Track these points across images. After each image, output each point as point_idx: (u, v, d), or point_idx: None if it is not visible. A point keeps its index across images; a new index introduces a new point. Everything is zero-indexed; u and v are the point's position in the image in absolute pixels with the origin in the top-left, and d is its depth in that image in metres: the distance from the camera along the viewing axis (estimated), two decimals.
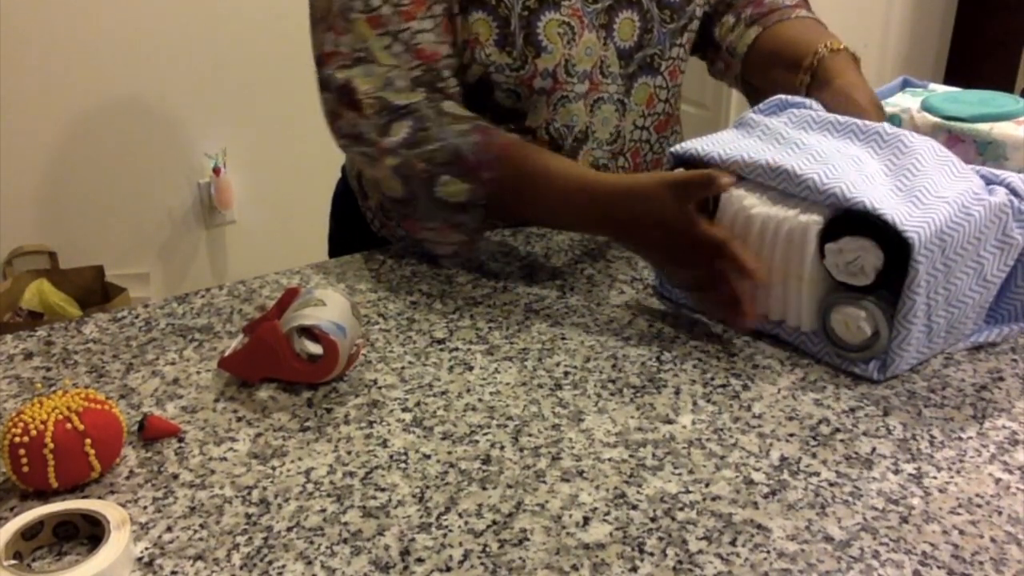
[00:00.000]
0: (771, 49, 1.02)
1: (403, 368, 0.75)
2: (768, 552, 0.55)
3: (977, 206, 0.71)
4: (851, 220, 0.70)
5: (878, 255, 0.69)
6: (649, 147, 1.04)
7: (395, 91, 0.88)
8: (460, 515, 0.58)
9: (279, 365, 0.71)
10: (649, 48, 0.99)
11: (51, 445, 0.58)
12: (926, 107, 0.95)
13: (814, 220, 0.72)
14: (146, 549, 0.56)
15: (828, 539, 0.56)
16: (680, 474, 0.62)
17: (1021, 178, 0.74)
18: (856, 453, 0.64)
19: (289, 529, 0.57)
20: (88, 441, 0.59)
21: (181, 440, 0.66)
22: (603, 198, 0.81)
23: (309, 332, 0.74)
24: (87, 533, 0.57)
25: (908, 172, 0.74)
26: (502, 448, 0.65)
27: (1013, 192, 0.73)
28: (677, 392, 0.71)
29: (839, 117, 0.82)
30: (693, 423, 0.67)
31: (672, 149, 0.82)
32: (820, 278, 0.74)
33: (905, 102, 0.97)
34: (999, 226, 0.72)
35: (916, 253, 0.67)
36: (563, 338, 0.79)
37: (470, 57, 0.91)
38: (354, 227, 1.11)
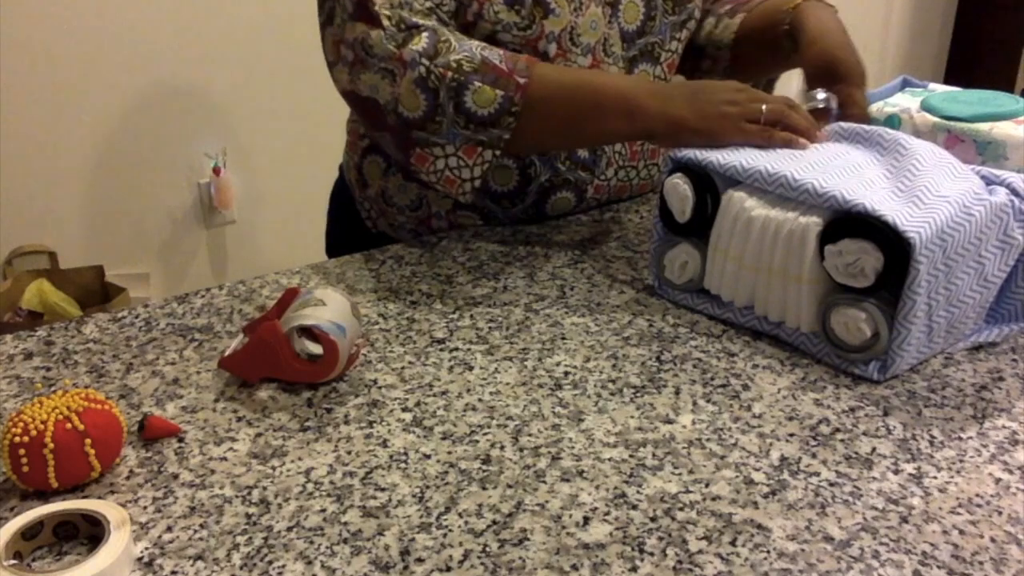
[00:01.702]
0: (751, 30, 1.05)
1: (403, 368, 0.75)
2: (768, 552, 0.55)
3: (978, 206, 0.71)
4: (850, 222, 0.70)
5: (878, 257, 0.69)
6: None
7: (411, 11, 0.87)
8: (460, 515, 0.58)
9: (279, 365, 0.71)
10: (651, 36, 1.00)
11: (51, 445, 0.58)
12: (926, 107, 0.95)
13: (814, 222, 0.72)
14: (146, 549, 0.56)
15: (828, 539, 0.56)
16: (680, 474, 0.62)
17: (1022, 178, 0.74)
18: (856, 453, 0.64)
19: (289, 529, 0.57)
20: (88, 441, 0.59)
21: (181, 440, 0.66)
22: (647, 82, 0.84)
23: (309, 332, 0.74)
24: (87, 533, 0.57)
25: (909, 173, 0.74)
26: (502, 448, 0.65)
27: (1014, 192, 0.73)
28: (677, 392, 0.71)
29: (842, 124, 0.83)
30: (693, 423, 0.67)
31: (671, 154, 0.82)
32: (820, 279, 0.74)
33: (905, 102, 0.97)
34: (1000, 226, 0.72)
35: (917, 253, 0.67)
36: (563, 338, 0.79)
37: (476, 13, 0.91)
38: (351, 225, 1.11)
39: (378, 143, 0.95)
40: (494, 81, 0.84)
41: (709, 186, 0.79)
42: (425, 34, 0.86)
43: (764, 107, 0.82)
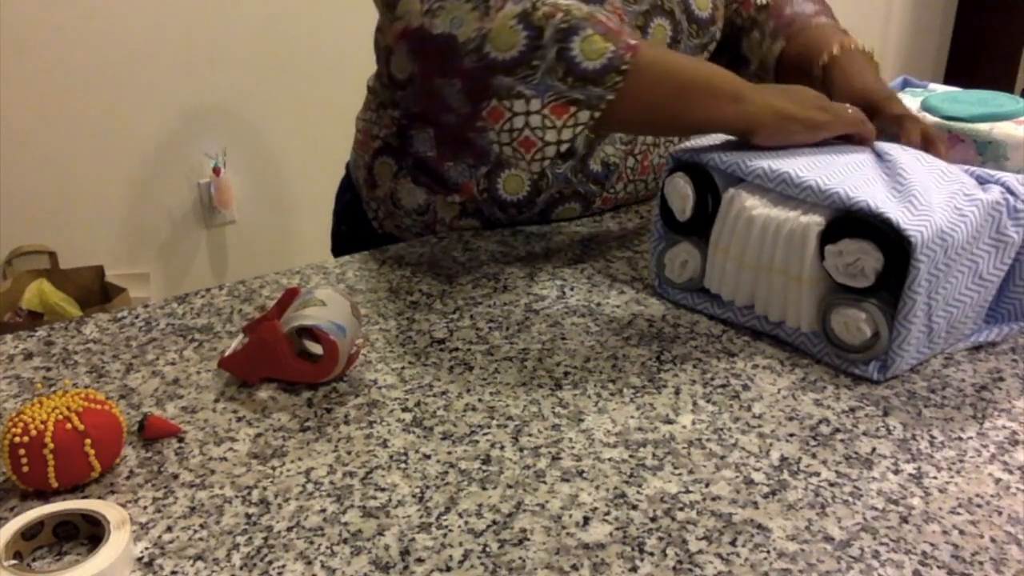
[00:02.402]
0: (793, 61, 1.03)
1: (403, 368, 0.75)
2: (768, 552, 0.55)
3: (970, 206, 0.71)
4: (851, 222, 0.70)
5: (877, 257, 0.69)
6: (657, 152, 1.04)
7: None
8: (460, 515, 0.58)
9: (279, 365, 0.71)
10: None
11: (51, 445, 0.58)
12: (926, 107, 0.95)
13: (814, 221, 0.72)
14: (146, 549, 0.56)
15: (828, 539, 0.56)
16: (680, 474, 0.62)
17: (1016, 178, 0.74)
18: (856, 453, 0.64)
19: (289, 529, 0.57)
20: (88, 441, 0.59)
21: (181, 440, 0.66)
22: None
23: (309, 332, 0.74)
24: (87, 533, 0.57)
25: (900, 177, 0.74)
26: (502, 448, 0.65)
27: (1008, 190, 0.73)
28: (677, 392, 0.71)
29: None
30: (693, 423, 0.67)
31: (672, 151, 0.82)
32: (820, 279, 0.74)
33: (905, 102, 0.97)
34: (993, 224, 0.72)
35: (918, 252, 0.67)
36: (563, 338, 0.79)
37: None
38: (358, 224, 1.10)
39: (433, 97, 0.82)
40: (605, 34, 0.75)
41: (709, 185, 0.79)
42: None
43: (847, 108, 0.81)
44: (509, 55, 0.74)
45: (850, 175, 0.74)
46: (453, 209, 1.01)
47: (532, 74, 0.75)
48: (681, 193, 0.81)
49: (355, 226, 1.10)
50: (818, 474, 0.62)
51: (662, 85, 0.78)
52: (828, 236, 0.71)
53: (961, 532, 0.56)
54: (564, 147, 0.79)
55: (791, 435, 0.66)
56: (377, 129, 1.03)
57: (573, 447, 0.65)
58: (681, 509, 0.59)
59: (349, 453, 0.64)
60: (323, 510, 0.59)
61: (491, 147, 0.80)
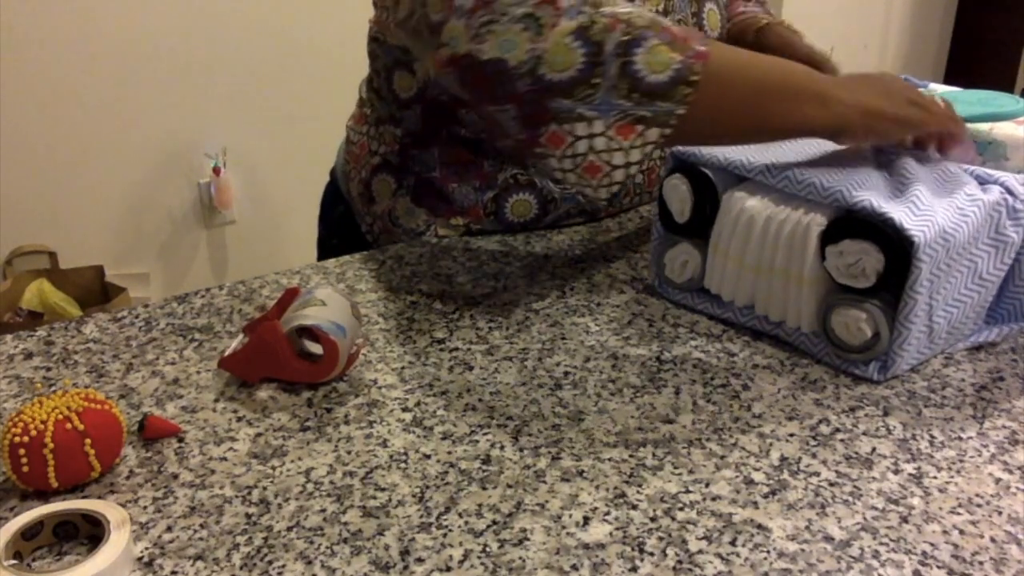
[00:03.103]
0: (732, 38, 1.04)
1: (403, 368, 0.75)
2: (768, 552, 0.55)
3: (971, 206, 0.71)
4: (852, 222, 0.70)
5: (878, 258, 0.69)
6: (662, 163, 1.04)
7: None
8: (460, 515, 0.58)
9: (279, 365, 0.71)
10: None
11: (51, 445, 0.58)
12: None
13: (816, 221, 0.72)
14: (146, 549, 0.56)
15: (828, 539, 0.56)
16: (680, 474, 0.62)
17: (1016, 178, 0.74)
18: (856, 453, 0.64)
19: (289, 529, 0.57)
20: (88, 441, 0.59)
21: (181, 440, 0.66)
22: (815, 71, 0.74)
23: (309, 332, 0.74)
24: (87, 533, 0.57)
25: (902, 177, 0.74)
26: (502, 448, 0.65)
27: (1008, 191, 0.73)
28: (677, 392, 0.71)
29: None
30: (693, 423, 0.67)
31: (673, 150, 0.81)
32: (820, 279, 0.74)
33: None
34: (992, 224, 0.72)
35: (920, 252, 0.67)
36: (563, 338, 0.79)
37: None
38: (347, 235, 1.08)
39: (489, 122, 0.75)
40: (670, 42, 0.68)
41: (708, 187, 0.79)
42: None
43: (938, 101, 0.76)
44: (567, 75, 0.68)
45: (852, 174, 0.74)
46: (456, 230, 0.99)
47: (593, 93, 0.68)
48: (679, 195, 0.81)
49: (347, 238, 1.08)
50: (818, 474, 0.62)
51: (737, 92, 0.71)
52: (829, 236, 0.71)
53: (961, 532, 0.56)
54: (633, 169, 0.72)
55: (791, 435, 0.66)
56: (376, 145, 1.01)
57: (573, 447, 0.65)
58: (681, 509, 0.59)
59: (349, 453, 0.64)
60: (323, 510, 0.59)
61: (553, 175, 0.74)
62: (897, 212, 0.68)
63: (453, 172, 0.96)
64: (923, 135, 0.76)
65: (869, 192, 0.70)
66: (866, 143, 0.73)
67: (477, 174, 0.96)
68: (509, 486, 0.61)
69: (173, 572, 0.54)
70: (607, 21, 0.67)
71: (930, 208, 0.70)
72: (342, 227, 1.09)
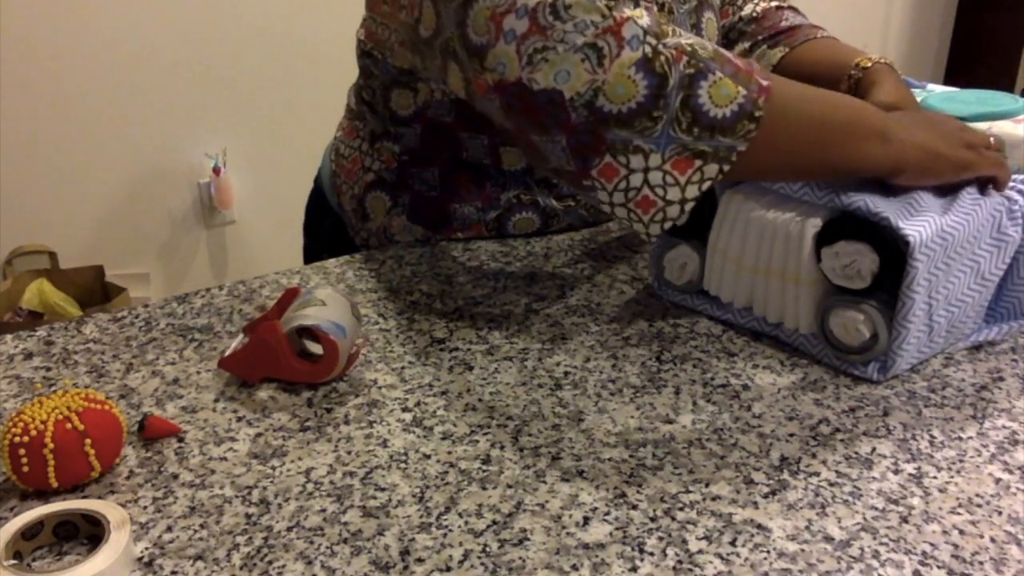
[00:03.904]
0: (799, 70, 1.01)
1: (403, 368, 0.75)
2: (768, 552, 0.55)
3: (972, 205, 0.71)
4: (847, 224, 0.70)
5: (873, 259, 0.69)
6: None
7: None
8: (460, 515, 0.58)
9: (279, 365, 0.71)
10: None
11: (51, 445, 0.58)
12: (924, 107, 0.95)
13: (812, 223, 0.72)
14: (146, 549, 0.56)
15: (828, 539, 0.56)
16: (680, 474, 0.62)
17: (1015, 178, 0.75)
18: (856, 453, 0.64)
19: (289, 529, 0.57)
20: (88, 441, 0.59)
21: (181, 440, 0.66)
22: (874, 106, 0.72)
23: (309, 332, 0.74)
24: (87, 533, 0.57)
25: None
26: (502, 448, 0.65)
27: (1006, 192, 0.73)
28: (677, 392, 0.71)
29: None
30: (693, 423, 0.67)
31: None
32: (818, 280, 0.74)
33: None
34: (993, 224, 0.72)
35: (916, 252, 0.67)
36: (563, 338, 0.79)
37: None
38: (336, 247, 1.05)
39: (531, 150, 0.72)
40: (734, 75, 0.66)
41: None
42: (643, 5, 0.67)
43: (990, 140, 0.76)
44: (628, 107, 0.65)
45: None
46: (455, 246, 0.98)
47: (653, 126, 0.65)
48: None
49: (339, 253, 1.04)
50: (818, 474, 0.62)
51: (800, 129, 0.68)
52: (825, 238, 0.71)
53: (961, 532, 0.56)
54: (688, 206, 0.68)
55: (791, 435, 0.66)
56: (369, 161, 0.98)
57: (573, 447, 0.65)
58: (681, 509, 0.59)
59: (349, 453, 0.64)
60: (323, 510, 0.59)
61: (601, 207, 0.71)
62: (892, 212, 0.68)
63: (455, 193, 0.95)
64: (971, 178, 0.75)
65: (864, 193, 0.70)
66: (920, 184, 0.72)
67: (480, 195, 0.95)
68: (509, 486, 0.61)
69: (173, 572, 0.54)
70: (671, 53, 0.65)
71: (929, 208, 0.70)
72: (332, 242, 1.05)
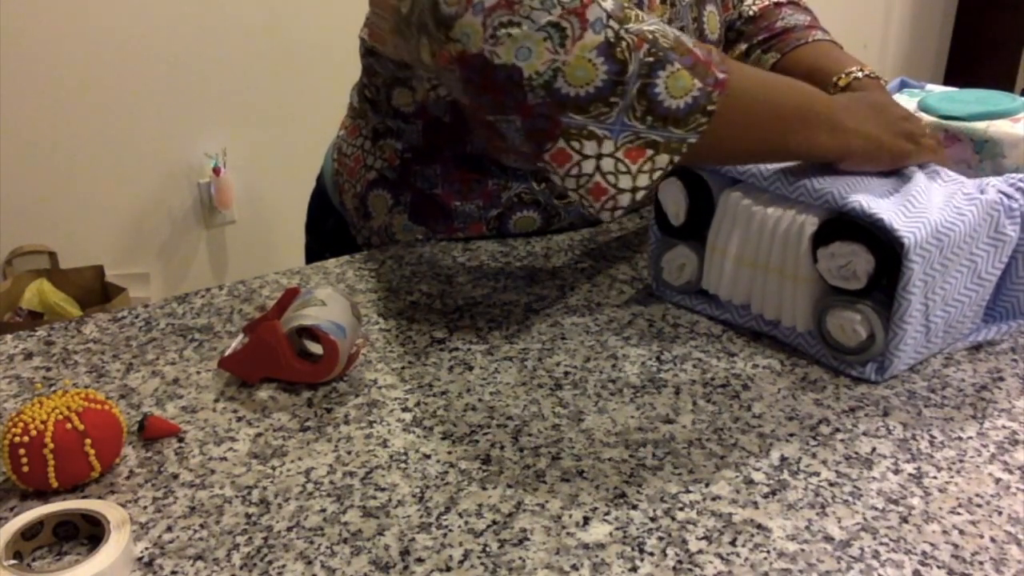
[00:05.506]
0: (793, 75, 1.01)
1: (403, 368, 0.75)
2: (768, 552, 0.55)
3: (969, 206, 0.71)
4: (842, 225, 0.70)
5: (868, 259, 0.69)
6: None
7: None
8: (460, 515, 0.58)
9: (279, 365, 0.71)
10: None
11: (51, 445, 0.58)
12: (923, 107, 0.95)
13: (809, 220, 0.72)
14: (146, 549, 0.56)
15: (828, 539, 0.56)
16: (680, 474, 0.62)
17: (1015, 177, 0.75)
18: (856, 453, 0.64)
19: (289, 529, 0.57)
20: (88, 441, 0.59)
21: (181, 440, 0.66)
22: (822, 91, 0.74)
23: (309, 332, 0.74)
24: (87, 533, 0.57)
25: (898, 179, 0.75)
26: (502, 448, 0.65)
27: (1005, 191, 0.73)
28: (677, 392, 0.71)
29: None
30: (693, 423, 0.67)
31: None
32: (815, 278, 0.74)
33: (903, 103, 0.97)
34: (991, 223, 0.72)
35: (911, 253, 0.67)
36: (563, 338, 0.79)
37: None
38: (339, 247, 1.05)
39: (488, 132, 0.71)
40: (692, 67, 0.66)
41: (703, 190, 0.80)
42: None
43: (927, 131, 0.78)
44: (585, 91, 0.65)
45: (845, 176, 0.74)
46: (455, 246, 0.98)
47: (608, 112, 0.65)
48: (674, 198, 0.81)
49: (341, 253, 1.04)
50: (818, 474, 0.62)
51: (752, 119, 0.70)
52: (821, 238, 0.72)
53: (961, 532, 0.56)
54: (640, 195, 0.69)
55: (791, 435, 0.66)
56: (371, 160, 0.98)
57: (573, 447, 0.65)
58: (681, 509, 0.59)
59: (349, 453, 0.64)
60: (323, 510, 0.59)
61: (557, 189, 0.71)
62: (888, 213, 0.68)
63: (456, 190, 0.95)
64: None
65: (860, 194, 0.70)
66: (862, 170, 0.75)
67: (481, 193, 0.95)
68: (509, 486, 0.61)
69: (173, 572, 0.54)
70: (633, 39, 0.65)
71: (925, 208, 0.70)
72: (334, 241, 1.05)
